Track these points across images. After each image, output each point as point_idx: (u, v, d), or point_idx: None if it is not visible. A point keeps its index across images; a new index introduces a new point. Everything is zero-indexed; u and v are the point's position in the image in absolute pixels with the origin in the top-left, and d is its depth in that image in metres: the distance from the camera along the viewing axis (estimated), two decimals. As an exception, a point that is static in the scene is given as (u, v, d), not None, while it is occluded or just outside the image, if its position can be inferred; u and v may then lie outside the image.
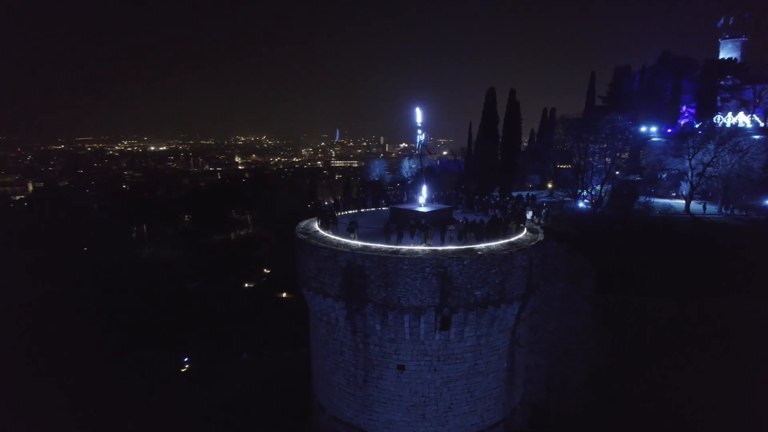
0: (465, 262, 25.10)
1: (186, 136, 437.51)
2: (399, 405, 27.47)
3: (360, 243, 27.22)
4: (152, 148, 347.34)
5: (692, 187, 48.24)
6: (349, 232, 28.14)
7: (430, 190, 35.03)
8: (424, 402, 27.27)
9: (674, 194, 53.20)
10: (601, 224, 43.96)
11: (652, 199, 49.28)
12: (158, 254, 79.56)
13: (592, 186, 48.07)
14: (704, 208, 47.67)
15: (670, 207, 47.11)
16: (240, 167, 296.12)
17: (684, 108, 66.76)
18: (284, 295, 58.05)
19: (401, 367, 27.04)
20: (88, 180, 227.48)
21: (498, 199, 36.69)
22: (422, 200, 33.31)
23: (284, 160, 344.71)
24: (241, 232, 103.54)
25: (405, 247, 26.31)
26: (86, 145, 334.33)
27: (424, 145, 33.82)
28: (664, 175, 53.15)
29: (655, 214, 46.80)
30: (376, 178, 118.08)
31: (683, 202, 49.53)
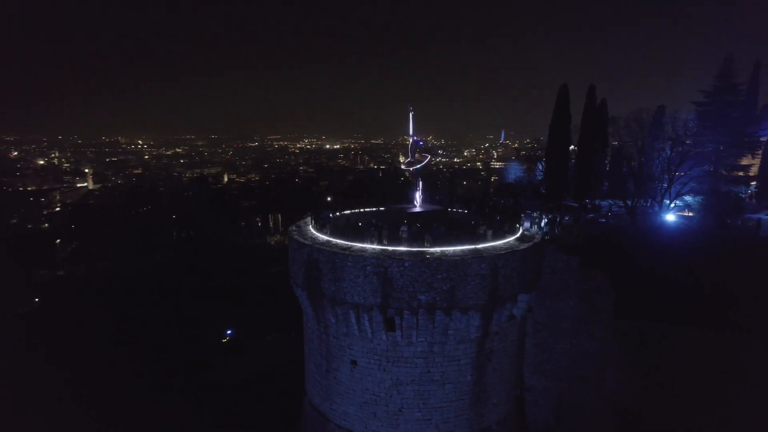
0: (406, 264, 24.60)
1: (360, 135, 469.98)
2: (353, 399, 27.98)
3: (324, 238, 28.36)
4: (327, 146, 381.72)
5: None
6: (321, 227, 29.44)
7: (426, 191, 34.24)
8: (375, 401, 27.34)
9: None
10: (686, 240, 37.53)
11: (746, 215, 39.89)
12: (282, 242, 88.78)
13: (668, 196, 40.55)
14: None
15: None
16: (403, 166, 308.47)
17: None
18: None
19: (354, 363, 27.53)
20: (269, 173, 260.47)
21: (504, 203, 34.07)
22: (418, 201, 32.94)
23: (445, 161, 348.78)
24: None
25: (357, 245, 26.70)
26: (274, 143, 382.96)
27: (417, 146, 33.12)
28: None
29: (763, 234, 38.04)
30: (512, 180, 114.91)
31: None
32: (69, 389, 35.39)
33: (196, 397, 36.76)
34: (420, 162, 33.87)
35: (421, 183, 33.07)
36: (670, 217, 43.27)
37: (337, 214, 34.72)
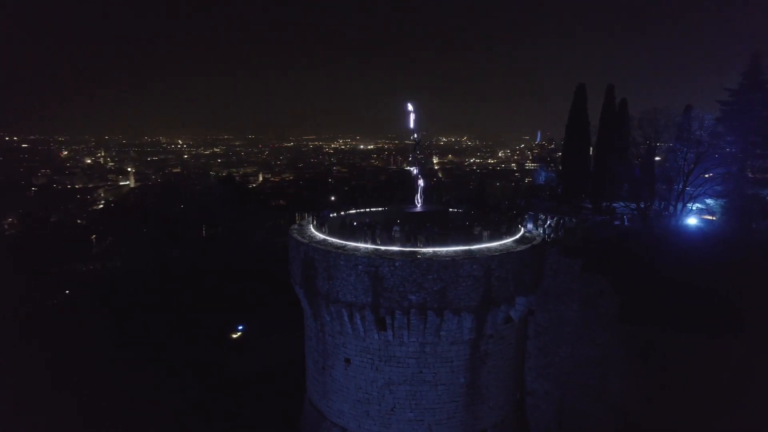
0: (396, 264, 24.62)
1: (393, 135, 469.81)
2: (347, 397, 28.17)
3: (321, 237, 28.68)
4: (361, 146, 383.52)
5: None
6: (319, 226, 29.78)
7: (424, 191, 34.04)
8: (368, 400, 27.44)
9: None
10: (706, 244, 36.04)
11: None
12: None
13: (684, 198, 38.74)
14: None
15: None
16: (435, 167, 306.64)
17: None
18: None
19: (348, 361, 27.72)
20: (303, 173, 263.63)
21: (507, 204, 33.51)
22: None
23: (479, 161, 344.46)
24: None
25: (351, 244, 26.88)
26: (309, 143, 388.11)
27: (417, 143, 32.95)
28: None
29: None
30: (542, 182, 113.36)
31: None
32: (69, 389, 36.45)
33: (197, 397, 37.64)
34: (420, 162, 33.72)
35: (421, 182, 32.96)
36: (692, 221, 41.59)
37: (342, 213, 35.08)
